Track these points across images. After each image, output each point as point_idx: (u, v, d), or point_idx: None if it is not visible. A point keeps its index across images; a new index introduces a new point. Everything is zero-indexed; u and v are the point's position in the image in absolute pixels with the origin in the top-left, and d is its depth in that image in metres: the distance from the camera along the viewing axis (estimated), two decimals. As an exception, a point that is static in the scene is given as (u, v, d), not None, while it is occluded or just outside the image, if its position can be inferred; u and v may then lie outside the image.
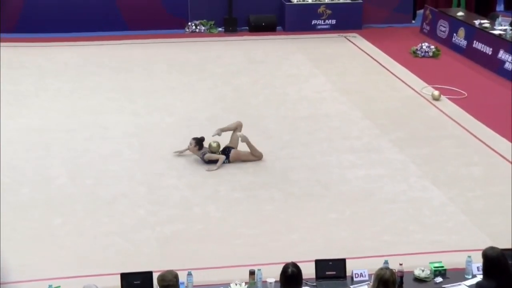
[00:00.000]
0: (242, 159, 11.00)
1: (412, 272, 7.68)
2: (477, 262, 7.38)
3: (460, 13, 17.97)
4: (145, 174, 10.58)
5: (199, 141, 10.96)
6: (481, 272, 7.13)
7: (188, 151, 11.09)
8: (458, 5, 19.97)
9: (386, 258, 7.75)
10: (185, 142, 11.43)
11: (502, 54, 15.52)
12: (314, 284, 7.56)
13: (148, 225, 9.15)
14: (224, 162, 10.87)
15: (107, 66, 16.03)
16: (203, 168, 10.79)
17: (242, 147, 11.12)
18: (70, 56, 16.85)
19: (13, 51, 17.19)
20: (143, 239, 8.84)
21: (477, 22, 16.83)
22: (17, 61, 16.36)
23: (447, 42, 17.63)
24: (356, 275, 7.65)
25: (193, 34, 19.12)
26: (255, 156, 11.03)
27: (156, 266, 7.81)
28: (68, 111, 13.11)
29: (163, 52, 17.26)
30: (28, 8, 18.92)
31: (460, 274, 7.71)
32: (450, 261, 7.94)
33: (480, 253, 6.73)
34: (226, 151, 10.99)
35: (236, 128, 11.28)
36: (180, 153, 11.16)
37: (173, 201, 9.78)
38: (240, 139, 11.04)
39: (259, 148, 11.08)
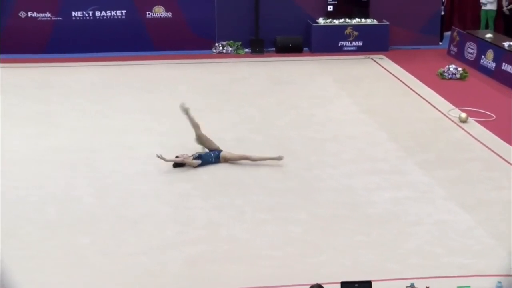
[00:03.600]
0: (232, 160, 11.61)
1: (439, 296, 7.61)
2: (507, 288, 7.30)
3: (489, 35, 17.88)
4: (171, 195, 10.61)
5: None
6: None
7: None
8: (486, 27, 19.88)
9: (412, 281, 7.68)
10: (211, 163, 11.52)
11: (531, 77, 15.41)
12: (340, 306, 7.50)
13: (174, 245, 9.16)
14: (212, 162, 11.51)
15: (134, 86, 16.13)
16: (229, 188, 10.80)
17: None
18: (97, 76, 16.99)
19: (42, 71, 17.39)
20: (169, 259, 8.84)
21: (506, 44, 16.74)
22: (46, 81, 16.53)
23: (475, 64, 17.54)
24: (382, 298, 7.60)
25: (220, 55, 19.21)
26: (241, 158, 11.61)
27: (182, 287, 7.80)
28: (94, 131, 13.20)
29: (189, 72, 17.35)
30: (57, 30, 19.14)
31: (490, 299, 7.64)
32: (478, 286, 7.85)
33: (510, 279, 6.64)
34: (214, 154, 11.56)
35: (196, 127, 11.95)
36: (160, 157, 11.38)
37: (199, 222, 9.78)
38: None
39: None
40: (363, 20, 19.56)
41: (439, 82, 16.42)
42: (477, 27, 20.00)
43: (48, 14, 19.14)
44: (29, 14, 19.08)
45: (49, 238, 9.30)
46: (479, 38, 17.86)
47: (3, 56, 18.74)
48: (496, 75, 16.59)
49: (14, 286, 8.11)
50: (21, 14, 19.06)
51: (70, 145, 12.48)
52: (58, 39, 19.15)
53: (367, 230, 9.54)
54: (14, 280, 8.17)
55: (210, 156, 11.64)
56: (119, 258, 8.85)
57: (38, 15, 19.14)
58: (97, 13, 19.25)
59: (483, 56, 17.33)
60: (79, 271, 8.57)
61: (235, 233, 9.48)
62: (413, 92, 15.64)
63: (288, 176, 11.24)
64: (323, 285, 6.50)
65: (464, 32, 18.63)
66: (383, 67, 17.78)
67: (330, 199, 10.47)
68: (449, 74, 16.76)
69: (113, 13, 19.30)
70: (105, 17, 19.28)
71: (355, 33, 19.45)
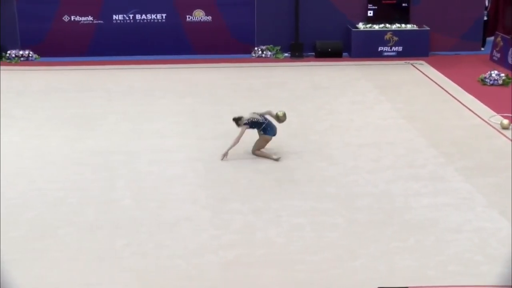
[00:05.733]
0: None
1: (478, 305, 7.51)
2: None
3: (533, 41, 17.64)
4: (209, 198, 10.62)
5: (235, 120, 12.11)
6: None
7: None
8: (531, 33, 19.60)
9: (451, 289, 7.60)
10: (250, 167, 11.51)
11: None
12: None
13: (210, 249, 9.17)
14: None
15: (173, 89, 16.23)
16: (266, 192, 10.79)
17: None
18: (136, 79, 17.14)
19: (83, 74, 17.61)
20: (205, 263, 8.85)
21: (550, 49, 16.49)
22: (86, 84, 16.73)
23: (519, 70, 17.31)
24: (420, 306, 7.52)
25: (259, 59, 19.23)
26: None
27: (218, 290, 7.80)
28: (133, 134, 13.30)
29: (229, 76, 17.40)
30: (98, 33, 19.36)
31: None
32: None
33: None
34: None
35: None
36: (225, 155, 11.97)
37: (236, 226, 9.78)
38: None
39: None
40: (403, 25, 19.45)
41: (481, 88, 16.24)
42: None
43: (90, 18, 19.37)
44: (72, 18, 19.33)
45: (87, 240, 9.37)
46: (523, 43, 17.63)
47: (46, 59, 19.03)
48: (540, 81, 16.36)
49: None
50: (64, 18, 19.30)
51: (109, 148, 12.59)
52: (99, 42, 19.38)
53: (404, 236, 9.44)
54: (13, 282, 8.28)
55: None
56: (156, 261, 8.89)
57: (80, 18, 19.38)
58: (138, 17, 19.43)
59: (527, 62, 17.09)
60: (117, 273, 8.62)
61: (271, 237, 9.46)
62: (453, 98, 15.48)
63: (325, 181, 11.20)
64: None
65: (508, 38, 18.39)
66: (423, 72, 17.63)
67: (367, 204, 10.40)
68: (491, 80, 16.56)
69: (153, 16, 19.45)
70: (145, 21, 19.45)
71: (395, 38, 19.34)
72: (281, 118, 12.32)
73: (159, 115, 14.42)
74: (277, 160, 11.91)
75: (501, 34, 18.91)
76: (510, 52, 17.95)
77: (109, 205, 10.39)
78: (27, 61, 18.98)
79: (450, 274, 8.54)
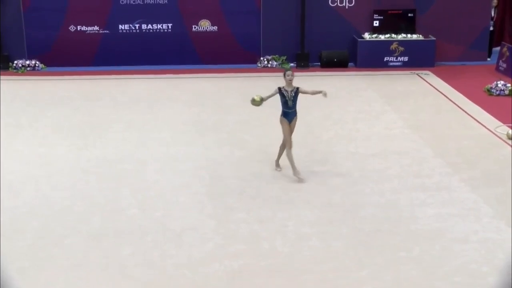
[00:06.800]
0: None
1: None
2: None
3: (539, 51, 17.65)
4: (215, 207, 10.62)
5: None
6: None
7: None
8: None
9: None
10: (256, 176, 11.51)
11: None
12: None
13: (216, 258, 9.16)
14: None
15: (179, 99, 16.26)
16: (272, 202, 10.78)
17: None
18: (144, 88, 17.18)
19: (90, 84, 17.67)
20: (211, 272, 8.84)
21: (557, 60, 16.50)
22: (93, 93, 16.78)
23: (525, 81, 17.31)
24: (426, 316, 7.49)
25: (265, 69, 19.27)
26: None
27: (223, 299, 7.79)
28: (140, 143, 13.32)
29: (235, 86, 17.43)
30: (105, 43, 19.43)
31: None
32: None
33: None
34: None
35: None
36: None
37: (242, 235, 9.78)
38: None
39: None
40: (409, 35, 19.47)
41: (487, 99, 16.23)
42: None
43: (96, 28, 19.44)
44: (78, 28, 19.40)
45: (93, 248, 9.38)
46: (529, 54, 17.64)
47: (53, 69, 19.11)
48: (546, 91, 16.34)
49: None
50: (71, 28, 19.38)
51: (115, 157, 12.62)
52: (105, 52, 19.46)
53: (410, 246, 9.43)
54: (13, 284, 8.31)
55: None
56: (162, 270, 8.88)
57: (86, 28, 19.45)
58: (143, 26, 19.50)
59: (533, 72, 17.09)
60: (122, 282, 8.62)
61: (277, 247, 9.45)
62: (459, 109, 15.48)
63: (331, 190, 11.19)
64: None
65: (514, 48, 18.40)
66: (428, 83, 17.63)
67: (373, 214, 10.39)
68: (497, 90, 16.56)
69: (159, 26, 19.52)
70: (151, 30, 19.52)
71: (401, 48, 19.36)
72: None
73: (165, 124, 14.46)
74: (299, 179, 11.52)
75: (507, 44, 18.91)
76: (516, 63, 17.95)
77: (115, 214, 10.40)
78: (33, 70, 19.06)
79: (457, 285, 8.52)
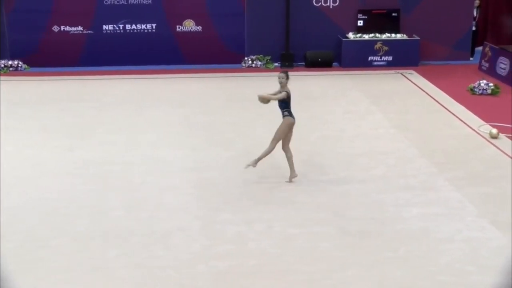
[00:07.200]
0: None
1: (469, 315, 7.54)
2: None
3: (522, 50, 17.79)
4: (201, 209, 10.65)
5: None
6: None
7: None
8: (520, 42, 19.77)
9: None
10: (242, 176, 11.54)
11: None
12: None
13: (203, 259, 9.18)
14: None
15: (165, 99, 16.27)
16: (258, 203, 10.82)
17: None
18: (128, 89, 17.16)
19: (75, 85, 17.63)
20: (197, 273, 8.87)
21: (539, 59, 16.63)
22: (78, 94, 16.75)
23: (507, 80, 17.44)
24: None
25: (250, 69, 19.30)
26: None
27: (211, 301, 7.81)
28: (126, 144, 13.32)
29: (220, 86, 17.45)
30: (89, 43, 19.39)
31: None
32: (509, 305, 7.77)
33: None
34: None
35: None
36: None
37: (228, 236, 9.80)
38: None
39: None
40: (393, 35, 19.57)
41: (470, 98, 16.34)
42: (511, 42, 19.92)
43: (80, 28, 19.40)
44: (62, 28, 19.35)
45: (79, 251, 9.38)
46: (512, 53, 17.77)
47: (37, 69, 19.05)
48: (529, 90, 16.48)
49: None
50: (54, 29, 19.33)
51: (101, 158, 12.61)
52: (90, 53, 19.43)
53: (396, 246, 9.49)
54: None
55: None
56: (148, 271, 8.90)
57: (70, 29, 19.40)
58: (128, 27, 19.48)
59: (515, 72, 17.22)
60: (108, 284, 8.62)
61: (263, 248, 9.49)
62: (443, 108, 15.58)
63: (317, 191, 11.24)
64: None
65: (497, 48, 18.53)
66: (413, 82, 17.73)
67: (359, 214, 10.45)
68: (480, 89, 16.68)
69: (143, 26, 19.51)
70: (135, 31, 19.51)
71: (385, 48, 19.46)
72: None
73: (151, 125, 14.46)
74: (290, 181, 11.52)
75: (490, 44, 19.05)
76: (498, 62, 18.08)
77: (102, 215, 10.40)
78: (16, 71, 18.99)
79: (441, 284, 8.59)
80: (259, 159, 11.51)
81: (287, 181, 11.49)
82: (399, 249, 9.42)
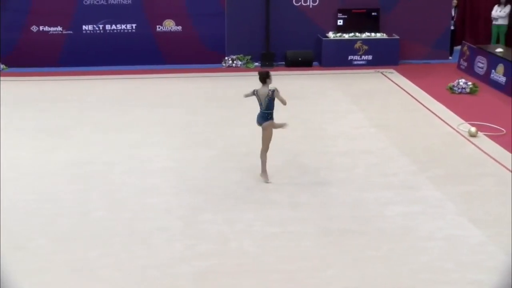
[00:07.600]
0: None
1: (450, 312, 7.58)
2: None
3: (499, 49, 17.92)
4: (182, 208, 10.63)
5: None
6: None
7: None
8: (497, 42, 19.92)
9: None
10: (223, 176, 11.54)
11: (542, 91, 15.40)
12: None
13: (184, 259, 9.17)
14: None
15: (145, 99, 16.23)
16: (239, 202, 10.82)
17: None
18: (109, 89, 17.10)
19: (54, 85, 17.53)
20: (179, 273, 8.85)
21: (516, 58, 16.76)
22: (58, 94, 16.66)
23: (485, 79, 17.57)
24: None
25: (230, 68, 19.30)
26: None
27: (193, 300, 7.80)
28: (107, 145, 13.27)
29: (201, 86, 17.43)
30: (68, 43, 19.30)
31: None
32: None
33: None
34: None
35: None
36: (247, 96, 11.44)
37: (210, 236, 9.80)
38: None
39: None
40: (373, 34, 19.63)
41: (449, 97, 16.44)
42: (488, 41, 20.08)
43: (59, 28, 19.30)
44: (41, 28, 19.25)
45: (60, 251, 9.33)
46: (490, 52, 17.90)
47: (16, 69, 18.93)
48: (507, 89, 16.61)
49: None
50: (33, 29, 19.22)
51: (82, 159, 12.55)
52: (69, 53, 19.34)
53: (378, 245, 9.53)
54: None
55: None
56: (130, 272, 8.87)
57: (49, 29, 19.30)
58: (108, 27, 19.41)
59: (493, 71, 17.36)
60: (90, 285, 8.59)
61: (245, 247, 9.49)
62: (423, 107, 15.66)
63: (298, 190, 11.26)
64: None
65: (474, 47, 18.67)
66: (393, 81, 17.81)
67: (341, 213, 10.47)
68: (459, 88, 16.78)
69: (123, 26, 19.45)
70: (115, 31, 19.44)
71: (365, 47, 19.52)
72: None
73: (132, 125, 14.41)
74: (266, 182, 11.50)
75: (468, 43, 19.19)
76: (476, 61, 18.21)
77: (83, 216, 10.36)
78: (-6, 71, 18.88)
79: (422, 282, 8.64)
80: (264, 170, 11.50)
81: (267, 182, 11.49)
82: (380, 248, 9.46)
